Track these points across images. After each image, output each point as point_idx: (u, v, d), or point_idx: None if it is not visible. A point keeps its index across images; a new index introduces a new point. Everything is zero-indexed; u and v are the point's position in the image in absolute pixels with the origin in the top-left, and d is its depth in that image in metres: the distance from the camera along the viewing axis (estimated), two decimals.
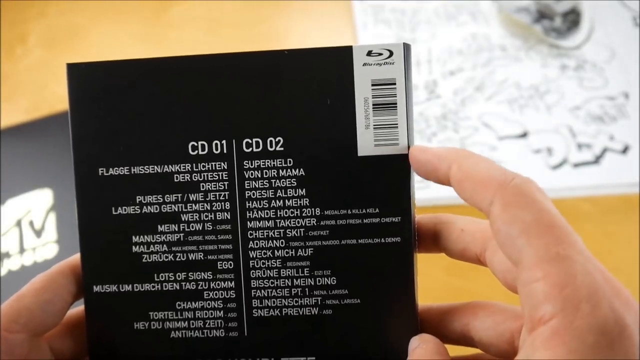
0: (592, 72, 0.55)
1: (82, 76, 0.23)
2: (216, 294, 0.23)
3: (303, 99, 0.22)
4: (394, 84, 0.22)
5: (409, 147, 0.22)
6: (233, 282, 0.23)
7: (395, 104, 0.22)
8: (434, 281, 0.48)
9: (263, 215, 0.22)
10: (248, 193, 0.23)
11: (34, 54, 0.62)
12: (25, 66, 0.61)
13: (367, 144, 0.22)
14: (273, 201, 0.22)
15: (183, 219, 0.23)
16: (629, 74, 0.54)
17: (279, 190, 0.22)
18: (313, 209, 0.22)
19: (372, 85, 0.22)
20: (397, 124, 0.22)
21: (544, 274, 0.16)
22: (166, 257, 0.23)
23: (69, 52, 0.61)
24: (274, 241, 0.22)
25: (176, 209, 0.23)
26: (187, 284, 0.23)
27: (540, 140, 0.50)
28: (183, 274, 0.23)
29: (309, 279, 0.22)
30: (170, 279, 0.23)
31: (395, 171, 0.22)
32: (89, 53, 0.61)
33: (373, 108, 0.22)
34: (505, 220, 0.18)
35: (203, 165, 0.23)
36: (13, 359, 0.20)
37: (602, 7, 0.59)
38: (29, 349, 0.21)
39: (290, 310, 0.22)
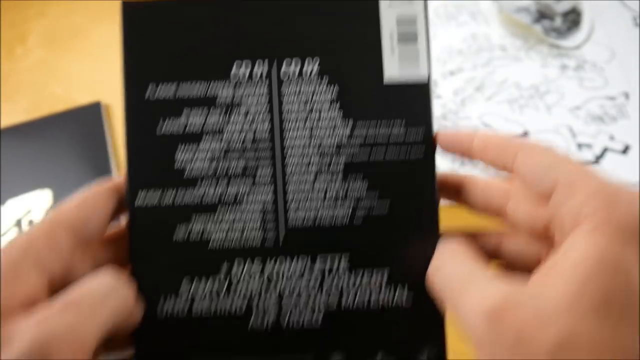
0: (592, 72, 0.54)
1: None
2: (255, 203, 0.24)
3: (336, 27, 0.25)
4: (415, 19, 0.25)
5: (428, 73, 0.25)
6: (270, 192, 0.24)
7: (417, 35, 0.25)
8: None
9: (299, 129, 0.24)
10: (286, 107, 0.25)
11: (34, 54, 0.62)
12: (25, 66, 0.61)
13: (392, 69, 0.25)
14: (308, 119, 0.25)
15: (225, 133, 0.24)
16: (629, 74, 0.54)
17: (314, 106, 0.25)
18: (345, 125, 0.24)
19: (397, 20, 0.25)
20: (418, 53, 0.25)
21: (583, 184, 0.19)
22: (208, 169, 0.24)
23: (69, 52, 0.61)
24: (310, 154, 0.24)
25: (219, 124, 0.24)
26: (227, 194, 0.24)
27: (540, 140, 0.50)
28: (224, 184, 0.24)
29: (341, 190, 0.24)
30: (211, 189, 0.24)
31: (417, 94, 0.25)
32: (89, 53, 0.61)
33: (397, 39, 0.25)
34: (539, 154, 0.21)
35: (245, 82, 0.25)
36: (57, 260, 0.21)
37: (602, 7, 0.59)
38: (72, 253, 0.22)
39: (324, 218, 0.24)
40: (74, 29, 0.63)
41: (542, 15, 0.58)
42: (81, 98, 0.58)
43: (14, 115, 0.58)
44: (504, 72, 0.55)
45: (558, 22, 0.58)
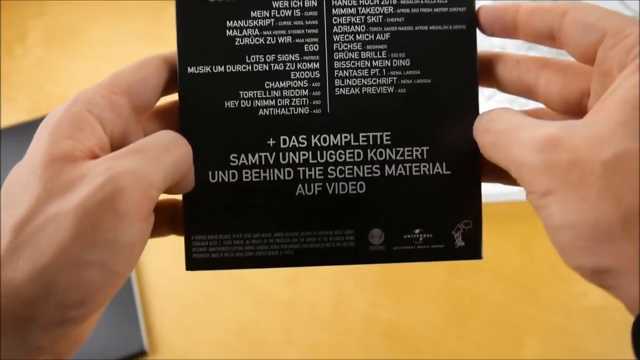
0: None
1: None
2: (302, 74, 0.25)
3: None
4: None
5: None
6: (318, 63, 0.25)
7: None
8: (434, 281, 0.48)
9: (346, 3, 0.25)
10: None
11: (34, 53, 0.62)
12: (25, 66, 0.61)
13: None
14: None
15: (274, 6, 0.25)
16: None
17: None
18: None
19: None
20: None
21: (631, 30, 0.19)
22: (257, 40, 0.25)
23: (68, 52, 0.61)
24: (356, 26, 0.25)
25: None
26: (276, 65, 0.25)
27: None
28: (272, 55, 0.25)
29: (386, 61, 0.25)
30: (260, 60, 0.25)
31: None
32: (88, 52, 0.61)
33: None
34: (588, 7, 0.21)
35: None
36: (117, 121, 0.22)
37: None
38: (129, 115, 0.23)
39: (369, 88, 0.25)
40: (74, 29, 0.63)
41: None
42: None
43: (14, 115, 0.58)
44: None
45: None
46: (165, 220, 0.25)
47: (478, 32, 0.25)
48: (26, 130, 0.55)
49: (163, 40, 0.59)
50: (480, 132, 0.23)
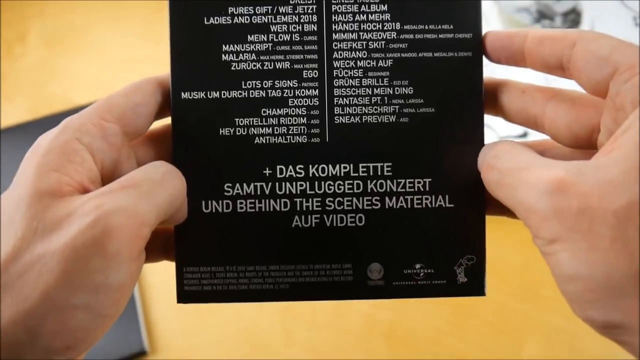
0: None
1: None
2: (300, 101, 0.24)
3: None
4: None
5: None
6: (317, 90, 0.24)
7: None
8: None
9: (347, 28, 0.24)
10: (334, 7, 0.24)
11: (34, 53, 0.62)
12: (25, 66, 0.61)
13: None
14: (357, 15, 0.24)
15: (272, 30, 0.24)
16: None
17: (362, 6, 0.24)
18: (394, 24, 0.24)
19: None
20: None
21: None
22: (254, 66, 0.24)
23: (68, 52, 0.61)
24: (357, 52, 0.24)
25: (266, 20, 0.24)
26: (273, 91, 0.24)
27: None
28: (270, 81, 0.24)
29: (388, 88, 0.24)
30: (257, 86, 0.24)
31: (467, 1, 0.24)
32: (88, 53, 0.61)
33: None
34: (599, 38, 0.20)
35: None
36: (108, 150, 0.21)
37: (602, 7, 0.59)
38: (121, 143, 0.22)
39: (370, 117, 0.24)
40: (74, 29, 0.63)
41: (542, 15, 0.58)
42: (81, 98, 0.58)
43: (14, 115, 0.58)
44: (504, 71, 0.55)
45: (558, 22, 0.58)
46: (157, 246, 0.24)
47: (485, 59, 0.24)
48: (26, 130, 0.55)
49: (163, 40, 0.58)
50: (485, 168, 0.22)
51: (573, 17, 0.59)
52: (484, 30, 0.24)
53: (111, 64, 0.60)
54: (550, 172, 0.18)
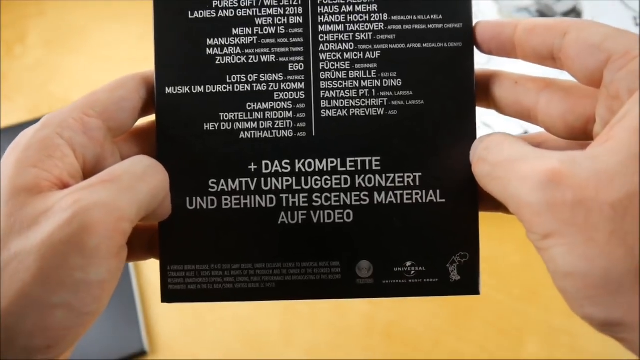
0: None
1: None
2: (286, 95, 0.24)
3: None
4: None
5: None
6: (303, 84, 0.24)
7: None
8: None
9: (334, 20, 0.24)
10: None
11: (33, 53, 0.62)
12: (25, 66, 0.61)
13: None
14: (344, 6, 0.24)
15: (257, 23, 0.24)
16: None
17: None
18: (381, 14, 0.23)
19: None
20: None
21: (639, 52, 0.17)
22: (239, 59, 0.24)
23: (68, 52, 0.61)
24: (344, 44, 0.24)
25: (251, 13, 0.24)
26: (258, 85, 0.24)
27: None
28: (255, 75, 0.24)
29: (376, 80, 0.23)
30: (242, 80, 0.24)
31: None
32: (88, 53, 0.61)
33: None
34: (592, 26, 0.19)
35: None
36: (90, 145, 0.21)
37: (602, 7, 0.59)
38: (103, 138, 0.21)
39: (357, 110, 0.23)
40: (74, 29, 0.63)
41: (542, 15, 0.58)
42: None
43: (14, 115, 0.58)
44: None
45: None
46: (142, 244, 0.24)
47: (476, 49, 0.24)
48: None
49: None
50: (475, 161, 0.22)
51: (573, 17, 0.59)
52: (476, 21, 0.24)
53: (111, 64, 0.60)
54: (543, 164, 0.17)
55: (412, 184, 0.23)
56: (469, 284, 0.23)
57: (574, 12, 0.59)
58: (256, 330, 0.48)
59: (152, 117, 0.24)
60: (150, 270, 0.50)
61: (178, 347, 0.48)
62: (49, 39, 0.62)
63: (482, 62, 0.24)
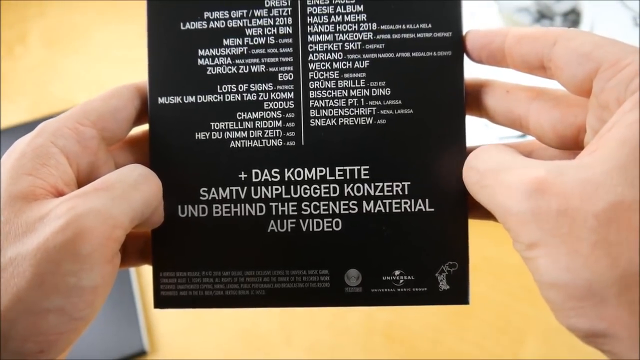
0: None
1: None
2: (276, 104, 0.24)
3: None
4: None
5: None
6: (292, 93, 0.24)
7: None
8: None
9: (323, 30, 0.24)
10: (309, 9, 0.24)
11: (34, 53, 0.62)
12: (25, 66, 0.61)
13: None
14: (333, 16, 0.24)
15: (247, 33, 0.24)
16: None
17: (338, 7, 0.24)
18: (370, 24, 0.24)
19: None
20: None
21: (630, 61, 0.17)
22: (229, 70, 0.24)
23: (69, 52, 0.61)
24: (333, 54, 0.24)
25: (241, 24, 0.24)
26: (249, 94, 0.24)
27: None
28: (245, 85, 0.24)
29: (365, 90, 0.24)
30: (233, 90, 0.24)
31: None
32: (89, 53, 0.61)
33: None
34: (581, 36, 0.19)
35: None
36: (84, 153, 0.21)
37: (602, 7, 0.59)
38: (97, 147, 0.22)
39: (347, 119, 0.24)
40: (74, 29, 0.63)
41: (542, 15, 0.58)
42: (81, 98, 0.58)
43: (14, 115, 0.58)
44: (503, 71, 0.55)
45: (558, 22, 0.58)
46: (136, 251, 0.24)
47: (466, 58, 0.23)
48: (26, 130, 0.55)
49: None
50: (465, 169, 0.22)
51: (573, 17, 0.59)
52: (470, 28, 0.24)
53: (111, 64, 0.60)
54: (529, 172, 0.17)
55: (400, 193, 0.23)
56: (458, 294, 0.23)
57: (574, 12, 0.59)
58: (256, 330, 0.48)
59: (146, 126, 0.24)
60: (150, 270, 0.50)
61: (178, 347, 0.48)
62: (49, 39, 0.62)
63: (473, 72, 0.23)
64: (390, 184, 0.23)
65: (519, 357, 0.45)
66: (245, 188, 0.24)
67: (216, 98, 0.24)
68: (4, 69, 0.61)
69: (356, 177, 0.24)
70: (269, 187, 0.24)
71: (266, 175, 0.24)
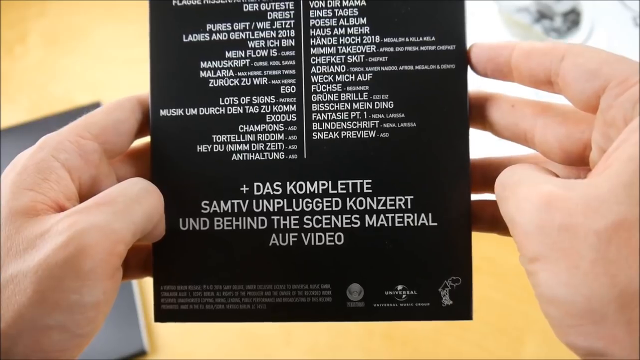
0: None
1: None
2: (278, 117, 0.24)
3: None
4: None
5: None
6: (295, 106, 0.24)
7: None
8: None
9: (326, 42, 0.24)
10: (312, 21, 0.24)
11: (34, 54, 0.62)
12: (25, 66, 0.61)
13: None
14: (336, 29, 0.24)
15: (250, 46, 0.24)
16: None
17: (341, 19, 0.24)
18: (373, 37, 0.23)
19: None
20: None
21: (638, 79, 0.17)
22: (232, 82, 0.24)
23: (68, 52, 0.61)
24: (336, 66, 0.24)
25: (244, 36, 0.24)
26: (251, 107, 0.24)
27: None
28: (247, 98, 0.24)
29: (368, 103, 0.23)
30: (235, 102, 0.24)
31: (450, 4, 0.23)
32: (89, 53, 0.61)
33: None
34: (589, 52, 0.19)
35: None
36: (86, 167, 0.21)
37: (602, 7, 0.59)
38: (99, 160, 0.22)
39: (349, 132, 0.23)
40: (74, 29, 0.63)
41: (542, 15, 0.58)
42: (81, 98, 0.58)
43: (14, 115, 0.58)
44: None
45: (558, 22, 0.58)
46: (138, 263, 0.24)
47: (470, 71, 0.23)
48: (26, 130, 0.55)
49: None
50: (496, 184, 0.21)
51: (573, 17, 0.59)
52: (475, 37, 0.23)
53: (111, 64, 0.60)
54: (542, 188, 0.17)
55: (403, 207, 0.23)
56: (461, 309, 0.23)
57: (574, 12, 0.59)
58: (256, 330, 0.48)
59: (148, 139, 0.24)
60: None
61: (178, 347, 0.48)
62: (49, 39, 0.62)
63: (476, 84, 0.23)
64: (393, 197, 0.23)
65: (519, 357, 0.45)
66: (247, 201, 0.24)
67: (218, 110, 0.24)
68: (4, 69, 0.61)
69: (358, 190, 0.23)
70: (271, 201, 0.23)
71: (268, 189, 0.24)
